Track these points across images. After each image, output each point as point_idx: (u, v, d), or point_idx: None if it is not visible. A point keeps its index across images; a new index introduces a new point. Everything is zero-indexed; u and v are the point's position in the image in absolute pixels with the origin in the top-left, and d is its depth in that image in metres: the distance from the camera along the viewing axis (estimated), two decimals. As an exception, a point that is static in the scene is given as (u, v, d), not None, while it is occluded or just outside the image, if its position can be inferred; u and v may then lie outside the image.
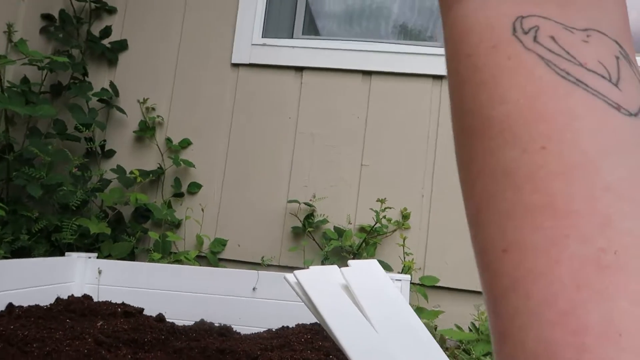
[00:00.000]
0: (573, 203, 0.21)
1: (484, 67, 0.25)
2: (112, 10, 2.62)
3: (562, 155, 0.22)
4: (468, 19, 0.26)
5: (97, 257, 1.95)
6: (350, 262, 0.80)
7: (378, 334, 0.68)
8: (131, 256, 2.19)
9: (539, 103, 0.23)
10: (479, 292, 1.90)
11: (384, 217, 2.18)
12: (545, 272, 0.21)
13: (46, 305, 1.66)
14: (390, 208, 2.18)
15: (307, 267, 0.82)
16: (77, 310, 1.64)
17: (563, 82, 0.23)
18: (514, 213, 0.23)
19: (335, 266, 0.80)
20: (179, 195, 2.40)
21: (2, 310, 1.55)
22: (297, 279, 0.72)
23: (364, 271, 0.79)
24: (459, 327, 1.85)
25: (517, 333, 0.21)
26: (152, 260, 2.01)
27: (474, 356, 1.50)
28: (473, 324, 1.80)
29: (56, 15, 2.53)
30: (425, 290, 2.01)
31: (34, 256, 1.94)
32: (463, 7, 0.27)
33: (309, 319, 1.71)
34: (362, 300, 0.72)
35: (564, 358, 0.20)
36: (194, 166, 2.41)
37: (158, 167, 2.43)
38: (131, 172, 2.36)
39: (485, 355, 1.47)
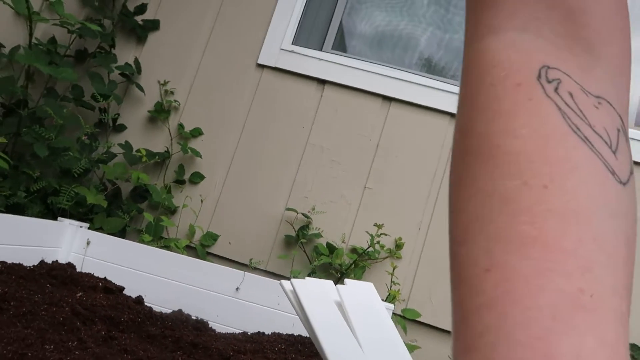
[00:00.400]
0: (563, 242, 0.23)
1: (504, 99, 0.27)
2: (151, -10, 2.64)
3: (562, 198, 0.24)
4: (499, 53, 0.28)
5: (89, 228, 1.94)
6: (347, 280, 0.80)
7: (364, 354, 0.68)
8: (122, 233, 2.18)
9: (548, 146, 0.25)
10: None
11: (378, 242, 2.18)
12: (525, 297, 0.22)
13: (29, 266, 1.65)
14: (385, 235, 2.18)
15: (294, 277, 0.82)
16: (59, 276, 1.63)
17: (573, 135, 0.25)
18: (504, 238, 0.24)
19: (331, 282, 0.80)
20: (180, 182, 2.41)
21: (-15, 263, 1.54)
22: (293, 287, 0.72)
23: (359, 292, 0.80)
24: (432, 366, 1.84)
25: (485, 349, 0.23)
26: (141, 241, 2.00)
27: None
28: (447, 366, 1.79)
29: (96, -17, 2.56)
30: (405, 323, 2.00)
31: (27, 215, 1.94)
32: (496, 41, 0.29)
33: (285, 329, 1.70)
34: (353, 318, 0.72)
35: None
36: (200, 156, 2.41)
37: (165, 151, 2.44)
38: (138, 151, 2.36)
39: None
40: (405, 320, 2.04)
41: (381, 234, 2.17)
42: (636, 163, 2.05)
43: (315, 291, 0.74)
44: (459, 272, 0.27)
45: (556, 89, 0.26)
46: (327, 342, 0.65)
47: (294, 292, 0.77)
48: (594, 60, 0.27)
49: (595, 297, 0.22)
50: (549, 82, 0.26)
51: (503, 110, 0.26)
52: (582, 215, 0.24)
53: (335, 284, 0.87)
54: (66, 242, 1.86)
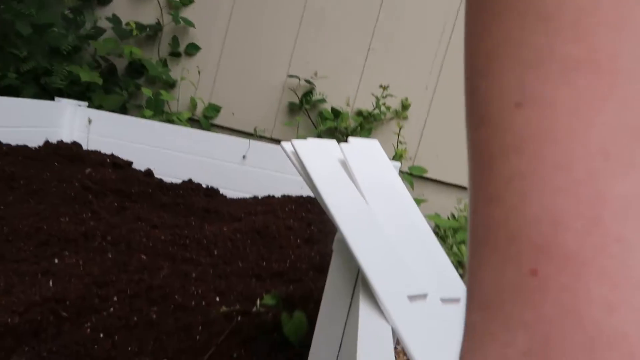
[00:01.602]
0: (618, 63, 0.18)
1: None
2: None
3: (615, 11, 0.18)
4: None
5: (88, 107, 1.91)
6: (350, 138, 0.77)
7: (368, 205, 0.67)
8: (122, 110, 2.15)
9: None
10: (463, 187, 1.91)
11: (384, 104, 2.12)
12: (567, 134, 0.18)
13: (35, 147, 1.65)
14: (391, 96, 2.12)
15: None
16: (65, 155, 1.64)
17: None
18: (540, 63, 0.19)
19: (334, 140, 0.78)
20: (175, 54, 2.30)
21: (-10, 146, 1.54)
22: (294, 147, 0.69)
23: (363, 149, 0.77)
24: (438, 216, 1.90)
25: (512, 198, 0.19)
26: (143, 117, 1.97)
27: (449, 243, 1.56)
28: (453, 215, 1.86)
29: None
30: (412, 179, 2.03)
31: (23, 97, 1.89)
32: None
33: (295, 191, 1.74)
34: (357, 174, 0.70)
35: (572, 228, 0.17)
36: (193, 26, 2.27)
37: (156, 23, 2.29)
38: (127, 24, 2.23)
39: (463, 241, 1.52)
40: (412, 177, 2.07)
41: (387, 95, 2.11)
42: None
43: (317, 150, 0.72)
44: (479, 111, 0.21)
45: None
46: (330, 197, 0.64)
47: (295, 153, 0.75)
48: None
49: None
50: None
51: None
52: None
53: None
54: (67, 121, 1.84)
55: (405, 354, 1.06)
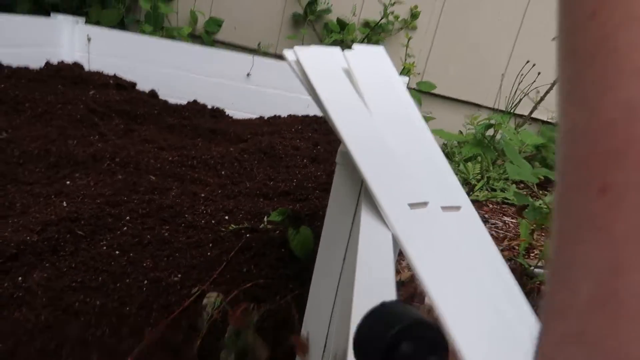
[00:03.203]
0: None
1: None
2: None
3: None
4: None
5: (85, 23, 1.85)
6: (355, 45, 0.74)
7: (371, 115, 0.67)
8: (121, 26, 2.08)
9: None
10: (472, 104, 1.87)
11: (392, 12, 2.03)
12: None
13: (36, 69, 1.63)
14: (400, 3, 2.02)
15: None
16: (68, 76, 1.62)
17: None
18: None
19: (338, 48, 0.75)
20: (171, -37, 2.18)
21: (-10, 68, 1.52)
22: (296, 56, 0.67)
23: (368, 56, 0.75)
24: (446, 134, 1.89)
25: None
26: (142, 32, 1.91)
27: (455, 161, 1.57)
28: (460, 132, 1.84)
29: None
30: (420, 96, 2.00)
31: (17, 13, 1.83)
32: None
33: (301, 110, 1.73)
34: (361, 83, 0.69)
35: None
36: None
37: None
38: None
39: (469, 159, 1.53)
40: (421, 93, 2.03)
41: (395, 2, 2.01)
42: None
43: (320, 58, 0.70)
44: None
45: None
46: (333, 107, 0.63)
47: (298, 62, 0.73)
48: None
49: None
50: None
51: None
52: None
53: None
54: (66, 40, 1.79)
55: (409, 269, 1.11)
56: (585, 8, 0.19)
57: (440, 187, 0.64)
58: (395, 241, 0.57)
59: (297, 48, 0.73)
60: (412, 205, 0.60)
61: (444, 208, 0.62)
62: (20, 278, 0.74)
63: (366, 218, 0.59)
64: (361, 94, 0.71)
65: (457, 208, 0.64)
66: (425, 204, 0.61)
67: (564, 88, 0.20)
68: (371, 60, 0.78)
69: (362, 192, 0.64)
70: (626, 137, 0.16)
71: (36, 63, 1.66)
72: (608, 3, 0.18)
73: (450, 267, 0.54)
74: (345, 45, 2.06)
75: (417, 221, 0.59)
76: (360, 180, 0.65)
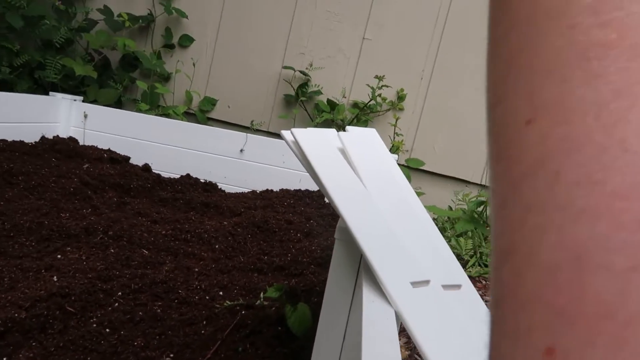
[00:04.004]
0: None
1: None
2: None
3: None
4: None
5: (83, 101, 1.90)
6: (349, 127, 0.78)
7: (369, 193, 0.68)
8: (118, 104, 2.14)
9: None
10: (460, 180, 1.92)
11: (380, 95, 2.13)
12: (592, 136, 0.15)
13: (31, 143, 1.64)
14: (387, 87, 2.12)
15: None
16: (62, 150, 1.63)
17: None
18: (558, 66, 0.17)
19: (333, 129, 0.78)
20: (169, 46, 2.29)
21: (-15, 142, 1.53)
22: (294, 137, 0.70)
23: (361, 137, 0.78)
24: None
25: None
26: (139, 111, 1.97)
27: (447, 235, 1.58)
28: (450, 207, 1.87)
29: None
30: (409, 172, 2.05)
31: (17, 92, 1.88)
32: None
33: (292, 185, 1.75)
34: (357, 163, 0.71)
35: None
36: (186, 16, 2.26)
37: (148, 14, 2.28)
38: (119, 15, 2.21)
39: (460, 235, 1.54)
40: (409, 169, 2.08)
41: (382, 86, 2.11)
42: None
43: (316, 139, 0.73)
44: (497, 131, 0.19)
45: None
46: (332, 185, 0.65)
47: (296, 141, 0.75)
48: None
49: None
50: None
51: None
52: None
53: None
54: (63, 116, 1.83)
55: (406, 348, 1.08)
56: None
57: (439, 265, 0.65)
58: (396, 318, 0.56)
59: (294, 130, 0.76)
60: (415, 284, 0.60)
61: (445, 286, 0.62)
62: (5, 359, 0.70)
63: (368, 296, 0.58)
64: (357, 172, 0.73)
65: (458, 286, 0.64)
66: (427, 282, 0.61)
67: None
68: (364, 141, 0.81)
69: (362, 269, 0.64)
70: (572, 294, 0.14)
71: (32, 137, 1.68)
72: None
73: (457, 347, 0.53)
74: (335, 124, 2.13)
75: (420, 299, 0.58)
76: (359, 255, 0.66)
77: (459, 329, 0.56)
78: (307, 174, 1.78)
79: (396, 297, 0.57)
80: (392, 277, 0.58)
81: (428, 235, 0.70)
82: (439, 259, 0.66)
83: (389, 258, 0.61)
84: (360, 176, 0.68)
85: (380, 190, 0.73)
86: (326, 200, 1.66)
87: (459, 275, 0.65)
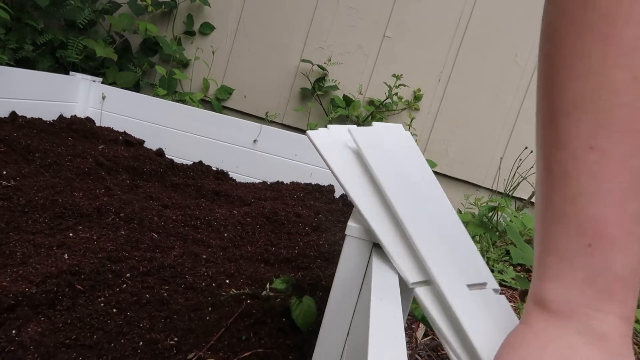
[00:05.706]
0: None
1: None
2: None
3: None
4: None
5: (102, 83, 1.91)
6: (374, 123, 0.77)
7: (413, 193, 0.68)
8: (136, 88, 2.16)
9: None
10: (471, 184, 1.91)
11: (396, 94, 2.12)
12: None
13: (49, 121, 1.67)
14: (404, 86, 2.12)
15: (310, 130, 0.79)
16: (79, 130, 1.65)
17: None
18: (607, 123, 0.28)
19: (354, 126, 0.78)
20: (190, 33, 2.30)
21: (5, 117, 1.56)
22: (310, 137, 0.70)
23: (390, 132, 0.78)
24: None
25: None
26: (156, 95, 1.98)
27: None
28: (459, 210, 1.87)
29: None
30: (420, 173, 2.04)
31: (38, 69, 1.90)
32: None
33: (303, 178, 1.75)
34: (390, 160, 0.71)
35: None
36: (209, 4, 2.26)
37: (171, 0, 2.29)
38: (142, 0, 2.22)
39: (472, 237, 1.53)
40: (421, 170, 2.07)
41: (399, 85, 2.11)
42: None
43: (333, 139, 0.73)
44: (558, 142, 0.30)
45: None
46: (388, 188, 0.65)
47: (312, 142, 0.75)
48: None
49: None
50: None
51: None
52: None
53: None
54: (81, 96, 1.85)
55: (407, 348, 1.08)
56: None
57: (479, 267, 0.64)
58: (403, 317, 0.56)
59: (322, 130, 0.76)
60: (471, 286, 0.59)
61: (470, 286, 0.62)
62: (14, 331, 0.72)
63: (376, 293, 0.59)
64: (396, 169, 0.72)
65: (498, 290, 0.64)
66: (484, 284, 0.60)
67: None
68: (394, 136, 0.81)
69: (370, 267, 0.64)
70: None
71: (50, 115, 1.70)
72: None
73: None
74: (349, 120, 2.13)
75: (476, 303, 0.57)
76: (369, 254, 0.66)
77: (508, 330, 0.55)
78: (318, 168, 1.76)
79: (452, 299, 0.56)
80: (449, 279, 0.58)
81: (462, 234, 0.70)
82: (475, 261, 0.66)
83: (443, 260, 0.61)
84: (376, 176, 0.68)
85: (418, 188, 0.73)
86: (336, 195, 1.66)
87: (484, 274, 0.65)
